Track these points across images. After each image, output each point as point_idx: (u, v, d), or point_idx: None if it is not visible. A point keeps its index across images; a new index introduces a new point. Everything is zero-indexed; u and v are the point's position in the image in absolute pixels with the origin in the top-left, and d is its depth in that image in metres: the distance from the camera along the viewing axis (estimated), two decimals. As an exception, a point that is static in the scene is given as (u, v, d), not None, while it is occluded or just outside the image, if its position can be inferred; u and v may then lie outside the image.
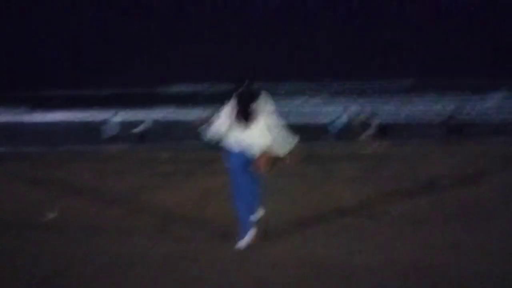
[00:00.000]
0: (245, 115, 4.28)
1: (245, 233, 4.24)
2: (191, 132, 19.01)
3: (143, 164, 11.34)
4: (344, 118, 21.58)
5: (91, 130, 26.23)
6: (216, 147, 4.95)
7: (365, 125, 21.00)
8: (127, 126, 22.67)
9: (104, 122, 20.88)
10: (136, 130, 20.79)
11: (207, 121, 5.26)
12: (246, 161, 4.29)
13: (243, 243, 4.22)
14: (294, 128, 4.51)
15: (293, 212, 5.69)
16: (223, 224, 4.93)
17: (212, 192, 6.76)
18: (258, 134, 4.27)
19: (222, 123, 4.36)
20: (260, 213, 4.46)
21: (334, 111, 29.08)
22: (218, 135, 4.41)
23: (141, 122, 21.46)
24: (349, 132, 21.55)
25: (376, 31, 51.67)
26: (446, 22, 50.33)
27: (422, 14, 51.23)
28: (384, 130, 19.93)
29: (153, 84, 46.13)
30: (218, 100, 5.02)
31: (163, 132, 25.28)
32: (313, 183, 7.73)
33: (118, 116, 20.89)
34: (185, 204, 6.05)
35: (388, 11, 52.17)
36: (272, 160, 4.34)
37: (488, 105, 35.06)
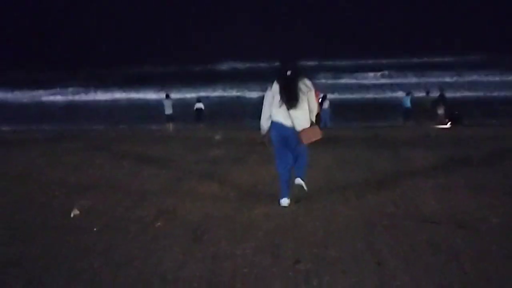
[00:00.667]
0: (290, 94, 4.60)
1: (286, 194, 4.84)
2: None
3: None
4: (412, 97, 19.91)
5: (148, 109, 26.37)
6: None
7: (435, 104, 19.44)
8: (184, 104, 22.46)
9: (161, 101, 20.64)
10: (195, 108, 20.33)
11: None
12: (289, 135, 4.68)
13: (284, 202, 4.83)
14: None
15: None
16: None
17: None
18: (302, 111, 4.63)
19: (270, 103, 4.73)
20: (302, 183, 4.90)
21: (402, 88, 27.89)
22: (269, 117, 4.79)
23: (198, 100, 20.93)
24: (418, 111, 20.01)
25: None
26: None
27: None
28: (455, 111, 18.20)
29: (207, 62, 46.00)
30: (268, 78, 4.90)
31: (220, 110, 24.95)
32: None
33: (174, 95, 20.53)
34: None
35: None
36: (314, 134, 4.72)
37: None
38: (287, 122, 4.62)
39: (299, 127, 4.62)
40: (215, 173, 6.52)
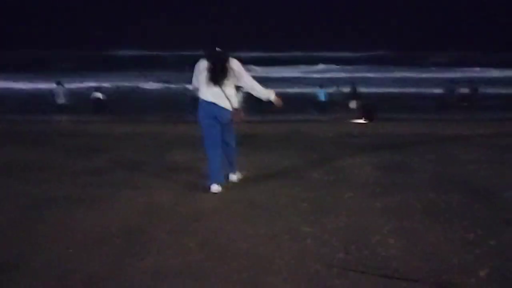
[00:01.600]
0: (215, 72, 4.49)
1: (216, 179, 4.68)
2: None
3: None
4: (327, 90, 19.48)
5: (38, 98, 22.88)
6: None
7: (349, 97, 19.24)
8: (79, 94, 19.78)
9: (52, 90, 17.85)
10: (92, 97, 17.83)
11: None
12: (218, 114, 4.55)
13: (215, 188, 4.67)
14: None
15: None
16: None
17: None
18: (231, 89, 4.58)
19: (196, 79, 4.64)
20: (238, 175, 5.17)
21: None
22: (195, 91, 4.71)
23: (97, 89, 18.47)
24: (332, 104, 19.65)
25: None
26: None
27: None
28: (368, 105, 17.98)
29: (105, 48, 42.23)
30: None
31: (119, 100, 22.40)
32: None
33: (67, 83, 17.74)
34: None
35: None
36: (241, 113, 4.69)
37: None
38: (216, 100, 4.52)
39: (229, 106, 4.55)
40: (94, 198, 4.64)
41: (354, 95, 19.17)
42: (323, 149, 7.70)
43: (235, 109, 4.60)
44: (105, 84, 26.09)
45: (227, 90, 4.54)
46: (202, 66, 4.54)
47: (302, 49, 44.72)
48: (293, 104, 22.70)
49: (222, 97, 4.51)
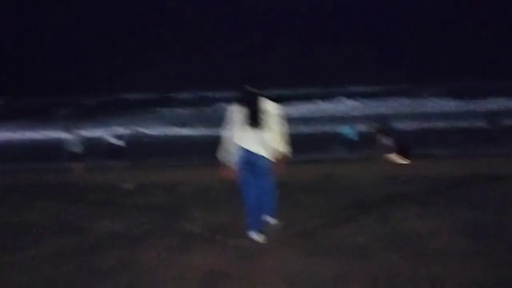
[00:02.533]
0: (255, 117, 4.19)
1: (257, 226, 4.33)
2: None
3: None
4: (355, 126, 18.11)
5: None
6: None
7: (381, 133, 17.73)
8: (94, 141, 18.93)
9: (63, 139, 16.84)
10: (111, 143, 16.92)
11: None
12: (257, 162, 4.23)
13: (254, 235, 4.31)
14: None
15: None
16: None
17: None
18: (269, 136, 4.22)
19: (234, 129, 4.26)
20: (274, 221, 4.57)
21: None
22: (234, 144, 4.29)
23: (118, 136, 17.56)
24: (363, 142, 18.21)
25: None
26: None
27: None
28: (405, 142, 16.44)
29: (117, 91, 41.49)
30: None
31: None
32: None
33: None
34: None
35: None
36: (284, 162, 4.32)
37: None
38: (255, 148, 4.23)
39: (269, 152, 4.26)
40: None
41: (386, 130, 17.71)
42: (367, 200, 6.27)
43: (276, 158, 4.30)
44: (122, 130, 24.97)
45: (267, 135, 4.21)
46: (237, 110, 4.24)
47: (319, 84, 43.12)
48: (319, 143, 21.51)
49: (261, 144, 4.21)
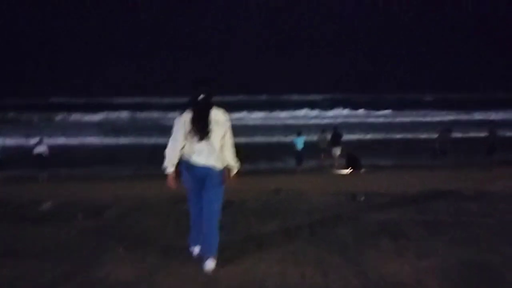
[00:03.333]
0: (203, 122, 3.81)
1: (197, 242, 4.13)
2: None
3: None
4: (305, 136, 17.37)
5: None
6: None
7: (330, 145, 17.19)
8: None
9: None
10: (35, 152, 14.93)
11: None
12: (205, 175, 3.91)
13: (196, 250, 4.16)
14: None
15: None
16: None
17: None
18: (217, 147, 3.88)
19: (179, 137, 3.86)
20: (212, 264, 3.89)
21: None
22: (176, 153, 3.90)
23: (39, 142, 15.59)
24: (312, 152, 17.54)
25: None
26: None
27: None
28: (351, 153, 15.93)
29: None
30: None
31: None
32: None
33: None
34: None
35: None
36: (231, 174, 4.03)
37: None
38: (203, 159, 3.87)
39: (217, 164, 3.90)
40: None
41: (337, 140, 17.19)
42: (327, 231, 5.27)
43: (225, 169, 3.99)
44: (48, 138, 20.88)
45: (214, 146, 3.88)
46: (186, 118, 3.84)
47: (272, 92, 42.27)
48: (268, 153, 20.68)
49: (210, 155, 3.88)
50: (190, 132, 3.81)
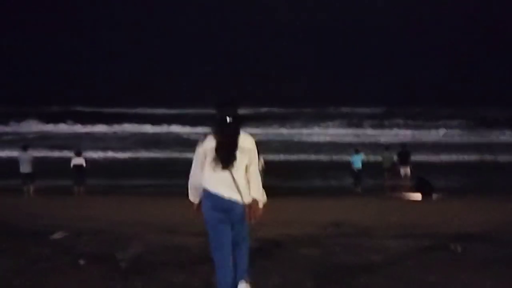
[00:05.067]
0: (230, 149, 3.38)
1: None
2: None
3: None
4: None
5: None
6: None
7: (398, 163, 15.15)
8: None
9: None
10: (72, 164, 13.98)
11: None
12: (230, 209, 3.43)
13: None
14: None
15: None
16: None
17: None
18: (243, 177, 3.45)
19: (199, 171, 3.50)
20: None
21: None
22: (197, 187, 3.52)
23: (78, 153, 14.61)
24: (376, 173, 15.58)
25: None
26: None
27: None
28: (422, 176, 13.69)
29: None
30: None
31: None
32: None
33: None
34: None
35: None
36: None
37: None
38: (227, 191, 3.40)
39: (245, 197, 3.44)
40: None
41: (405, 158, 15.15)
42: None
43: (250, 204, 3.45)
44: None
45: (240, 176, 3.41)
46: (209, 146, 3.39)
47: (321, 105, 39.79)
48: (322, 172, 18.67)
49: (234, 185, 3.39)
50: (213, 160, 3.37)
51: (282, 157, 22.21)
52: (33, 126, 32.24)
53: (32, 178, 13.37)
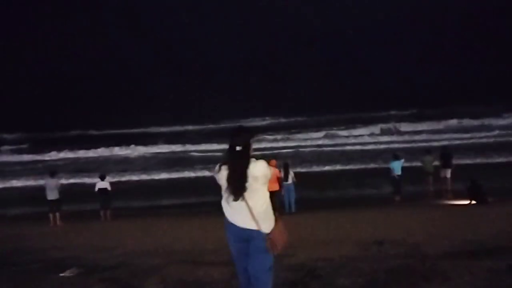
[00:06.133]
0: (237, 184, 3.26)
1: None
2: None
3: None
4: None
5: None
6: None
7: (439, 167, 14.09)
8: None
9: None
10: (97, 188, 13.67)
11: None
12: (246, 238, 3.29)
13: None
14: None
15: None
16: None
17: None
18: (260, 204, 3.28)
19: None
20: None
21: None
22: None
23: (102, 177, 14.22)
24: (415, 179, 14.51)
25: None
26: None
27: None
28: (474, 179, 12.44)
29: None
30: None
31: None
32: None
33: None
34: None
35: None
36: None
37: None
38: (243, 220, 3.27)
39: (263, 226, 3.24)
40: None
41: (447, 161, 14.08)
42: None
43: (271, 232, 3.24)
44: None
45: (257, 205, 3.24)
46: (222, 174, 3.34)
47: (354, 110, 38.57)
48: (358, 180, 17.69)
49: (249, 215, 3.23)
50: (226, 190, 3.30)
51: (314, 168, 21.36)
52: (59, 153, 32.59)
53: (59, 204, 13.05)
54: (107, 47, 53.41)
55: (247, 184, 3.25)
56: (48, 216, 12.79)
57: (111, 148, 32.67)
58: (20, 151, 35.10)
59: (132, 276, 5.18)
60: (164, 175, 22.57)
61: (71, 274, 5.32)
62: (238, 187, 3.27)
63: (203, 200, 14.34)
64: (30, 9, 56.78)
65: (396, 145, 25.90)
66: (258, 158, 3.38)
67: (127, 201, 15.71)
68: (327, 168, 21.72)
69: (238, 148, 3.33)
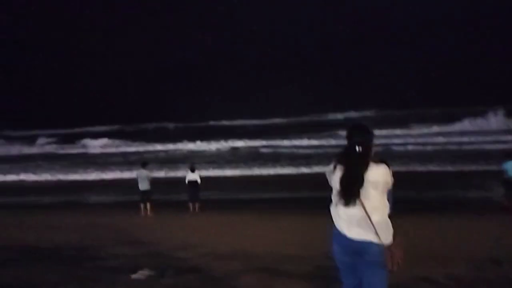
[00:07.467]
0: (350, 188, 2.84)
1: None
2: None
3: None
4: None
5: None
6: None
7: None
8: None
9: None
10: (187, 180, 13.81)
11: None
12: (357, 250, 2.85)
13: None
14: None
15: None
16: None
17: None
18: (377, 213, 2.80)
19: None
20: None
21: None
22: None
23: (192, 169, 14.36)
24: None
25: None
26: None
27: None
28: None
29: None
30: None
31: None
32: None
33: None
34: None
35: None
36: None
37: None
38: (356, 230, 2.83)
39: (382, 237, 2.77)
40: None
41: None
42: None
43: (390, 246, 2.76)
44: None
45: (374, 213, 2.78)
46: (335, 175, 2.94)
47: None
48: (461, 185, 15.76)
49: (363, 224, 2.79)
50: (337, 194, 2.89)
51: (410, 168, 19.61)
52: (148, 145, 33.97)
53: (149, 195, 13.36)
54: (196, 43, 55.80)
55: (363, 190, 2.80)
56: (139, 206, 13.17)
57: (195, 142, 33.35)
58: (114, 144, 37.05)
59: (203, 284, 4.73)
60: (255, 171, 22.25)
61: (141, 277, 5.01)
62: (352, 192, 2.83)
63: (299, 196, 13.90)
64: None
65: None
66: (378, 161, 2.87)
67: (216, 193, 15.70)
68: (424, 168, 19.86)
69: (358, 148, 2.87)
